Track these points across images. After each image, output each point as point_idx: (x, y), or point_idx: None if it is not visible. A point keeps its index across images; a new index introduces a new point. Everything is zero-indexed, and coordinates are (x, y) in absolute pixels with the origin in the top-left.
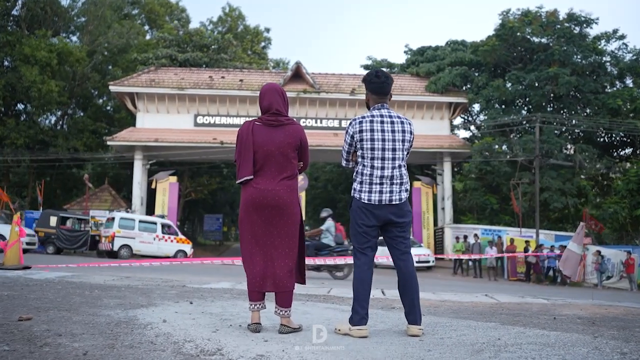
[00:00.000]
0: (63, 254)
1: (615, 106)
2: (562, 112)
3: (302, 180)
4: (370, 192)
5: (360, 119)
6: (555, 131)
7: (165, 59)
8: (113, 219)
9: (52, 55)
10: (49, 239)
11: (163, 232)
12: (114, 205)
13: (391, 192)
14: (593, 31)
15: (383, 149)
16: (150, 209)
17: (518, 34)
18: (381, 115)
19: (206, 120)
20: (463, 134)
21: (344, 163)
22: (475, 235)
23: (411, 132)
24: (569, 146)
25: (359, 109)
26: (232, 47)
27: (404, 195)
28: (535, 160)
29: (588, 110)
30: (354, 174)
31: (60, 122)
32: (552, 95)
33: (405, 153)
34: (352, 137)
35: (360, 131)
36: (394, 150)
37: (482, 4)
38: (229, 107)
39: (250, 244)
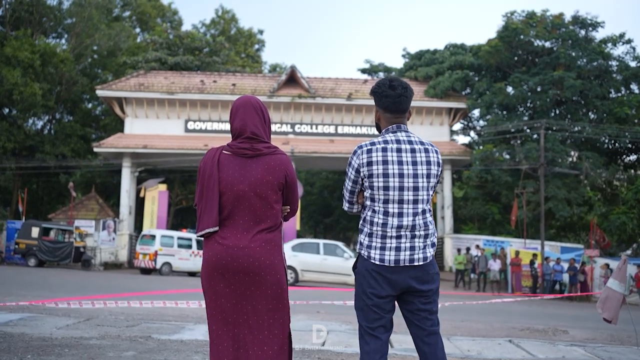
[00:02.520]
0: (46, 266)
1: (622, 114)
2: (566, 118)
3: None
4: (383, 248)
5: (369, 147)
6: (559, 138)
7: (155, 62)
8: (151, 236)
9: (35, 56)
10: (30, 251)
11: (199, 248)
12: (100, 214)
13: (412, 248)
14: (599, 34)
15: (401, 188)
16: (139, 219)
17: (522, 36)
18: (397, 141)
19: (197, 126)
20: (462, 139)
21: (346, 207)
22: (477, 246)
23: (438, 164)
24: (572, 153)
25: (356, 114)
26: (225, 50)
27: (430, 252)
28: (540, 168)
29: (592, 116)
30: (360, 221)
31: (48, 127)
32: (556, 99)
33: (431, 192)
34: (358, 171)
35: (369, 163)
36: (415, 189)
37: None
38: (221, 113)
39: (216, 324)
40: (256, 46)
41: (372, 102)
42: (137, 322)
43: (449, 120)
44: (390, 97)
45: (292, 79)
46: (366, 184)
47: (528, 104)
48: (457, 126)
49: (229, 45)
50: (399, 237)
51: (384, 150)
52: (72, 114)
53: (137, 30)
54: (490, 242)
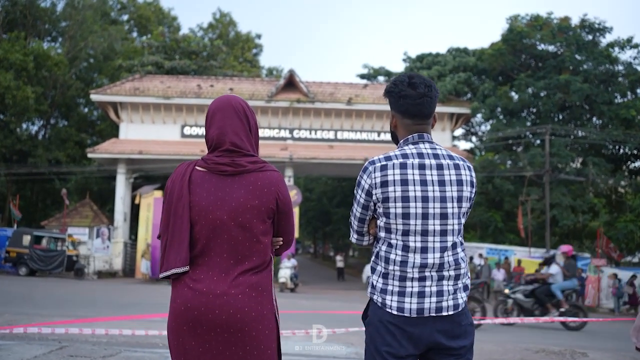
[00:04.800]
0: (37, 275)
1: (628, 116)
2: (570, 123)
3: (295, 195)
4: (402, 294)
5: (383, 162)
6: (563, 143)
7: (151, 66)
8: None
9: (28, 59)
10: (21, 260)
11: None
12: (95, 221)
13: (440, 293)
14: (606, 39)
15: (425, 216)
16: (134, 226)
17: (526, 40)
18: (420, 155)
19: (194, 131)
20: (464, 145)
21: (354, 238)
22: (481, 255)
23: (472, 184)
24: (576, 159)
25: (356, 119)
26: (222, 53)
27: (462, 297)
28: (545, 175)
29: (598, 121)
30: (372, 257)
31: (43, 132)
32: (561, 104)
33: (463, 220)
34: (369, 194)
35: (384, 184)
36: (443, 217)
37: (484, 14)
38: None
39: None
40: (254, 50)
41: (372, 106)
42: (116, 351)
43: (451, 125)
44: (411, 98)
45: (291, 84)
46: (380, 210)
47: (532, 109)
48: (459, 131)
49: (227, 49)
50: (422, 278)
51: (403, 166)
52: (67, 118)
53: (135, 34)
54: (494, 251)
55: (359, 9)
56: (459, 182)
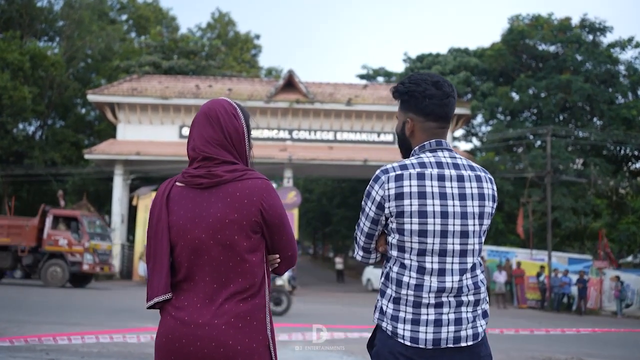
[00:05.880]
0: (33, 278)
1: (629, 116)
2: (571, 123)
3: (294, 196)
4: (416, 322)
5: (398, 171)
6: (564, 144)
7: (149, 67)
8: None
9: (25, 59)
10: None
11: None
12: None
13: (458, 321)
14: (607, 39)
15: (444, 234)
16: (131, 227)
17: (527, 40)
18: (439, 165)
19: None
20: (464, 146)
21: (359, 255)
22: (482, 257)
23: (494, 198)
24: (577, 160)
25: (356, 120)
26: (221, 53)
27: (482, 325)
28: (547, 176)
29: (599, 122)
30: (381, 279)
31: (40, 133)
32: (562, 104)
33: (483, 239)
34: (381, 207)
35: (399, 196)
36: (464, 235)
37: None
38: None
39: None
40: (253, 51)
41: (372, 107)
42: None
43: (451, 126)
44: (437, 98)
45: (290, 84)
46: (392, 225)
47: (533, 110)
48: (459, 132)
49: (226, 50)
50: (439, 304)
51: (421, 177)
52: (64, 119)
53: (134, 34)
54: (495, 253)
55: (358, 9)
56: (481, 197)
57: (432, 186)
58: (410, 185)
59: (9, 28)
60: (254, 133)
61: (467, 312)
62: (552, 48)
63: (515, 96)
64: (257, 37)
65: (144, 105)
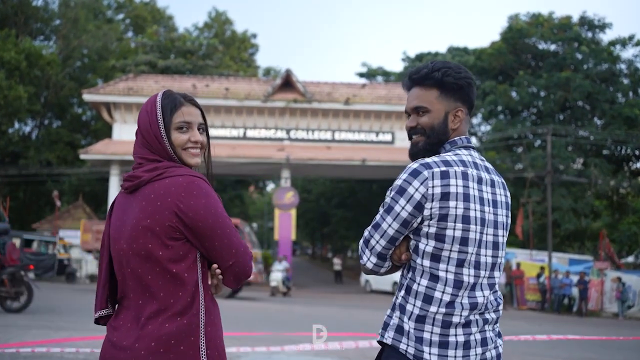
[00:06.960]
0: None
1: (632, 115)
2: (572, 123)
3: (292, 197)
4: (445, 345)
5: (443, 167)
6: (564, 144)
7: (145, 66)
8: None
9: (21, 57)
10: None
11: None
12: None
13: (484, 342)
14: (607, 36)
15: (480, 244)
16: None
17: (526, 38)
18: (475, 165)
19: None
20: None
21: (371, 263)
22: None
23: (510, 207)
24: (577, 160)
25: (354, 119)
26: (218, 53)
27: (501, 345)
28: (547, 176)
29: (599, 121)
30: (401, 292)
31: (36, 133)
32: (562, 103)
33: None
34: (420, 207)
35: (445, 196)
36: (495, 246)
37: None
38: (214, 118)
39: None
40: (250, 50)
41: (371, 107)
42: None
43: None
44: (475, 89)
45: (288, 83)
46: (429, 229)
47: (533, 109)
48: None
49: (223, 49)
50: (467, 324)
51: (465, 176)
52: (61, 119)
53: (131, 34)
54: None
55: (357, 9)
56: (507, 206)
57: (474, 188)
58: (457, 185)
59: (4, 27)
60: (251, 133)
61: (489, 330)
62: (552, 47)
63: (514, 95)
64: (255, 36)
65: (140, 105)
